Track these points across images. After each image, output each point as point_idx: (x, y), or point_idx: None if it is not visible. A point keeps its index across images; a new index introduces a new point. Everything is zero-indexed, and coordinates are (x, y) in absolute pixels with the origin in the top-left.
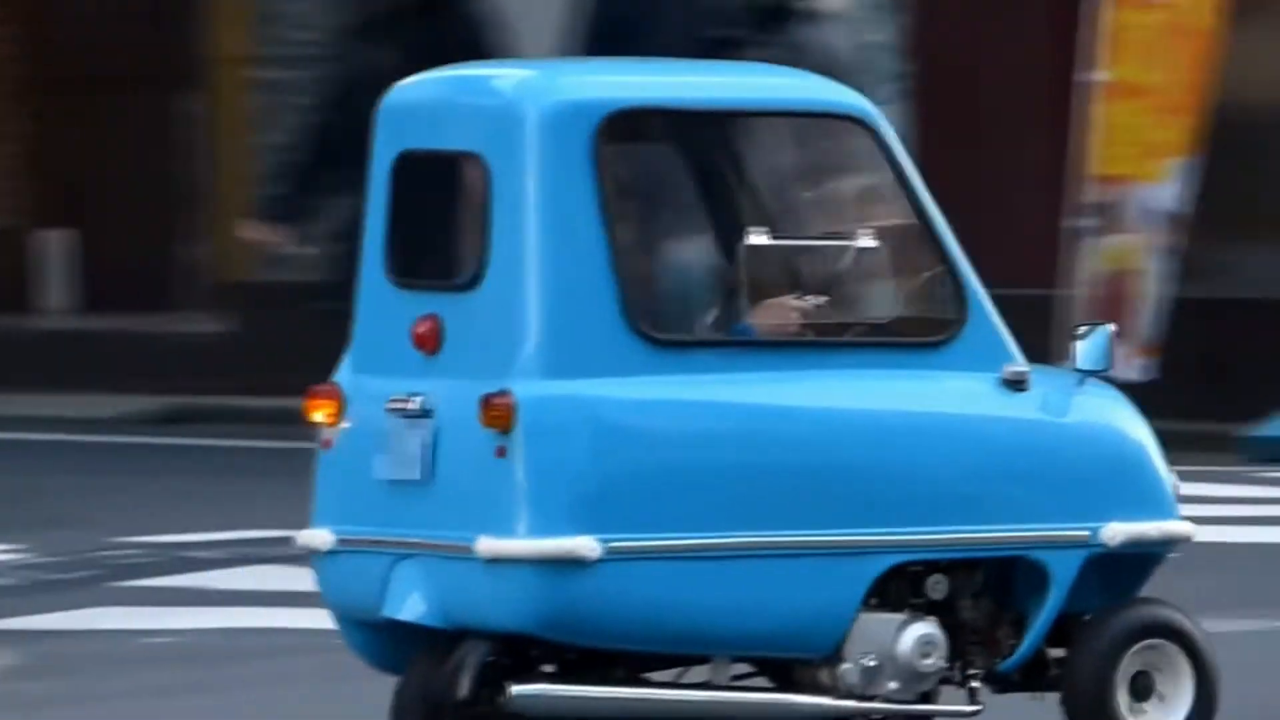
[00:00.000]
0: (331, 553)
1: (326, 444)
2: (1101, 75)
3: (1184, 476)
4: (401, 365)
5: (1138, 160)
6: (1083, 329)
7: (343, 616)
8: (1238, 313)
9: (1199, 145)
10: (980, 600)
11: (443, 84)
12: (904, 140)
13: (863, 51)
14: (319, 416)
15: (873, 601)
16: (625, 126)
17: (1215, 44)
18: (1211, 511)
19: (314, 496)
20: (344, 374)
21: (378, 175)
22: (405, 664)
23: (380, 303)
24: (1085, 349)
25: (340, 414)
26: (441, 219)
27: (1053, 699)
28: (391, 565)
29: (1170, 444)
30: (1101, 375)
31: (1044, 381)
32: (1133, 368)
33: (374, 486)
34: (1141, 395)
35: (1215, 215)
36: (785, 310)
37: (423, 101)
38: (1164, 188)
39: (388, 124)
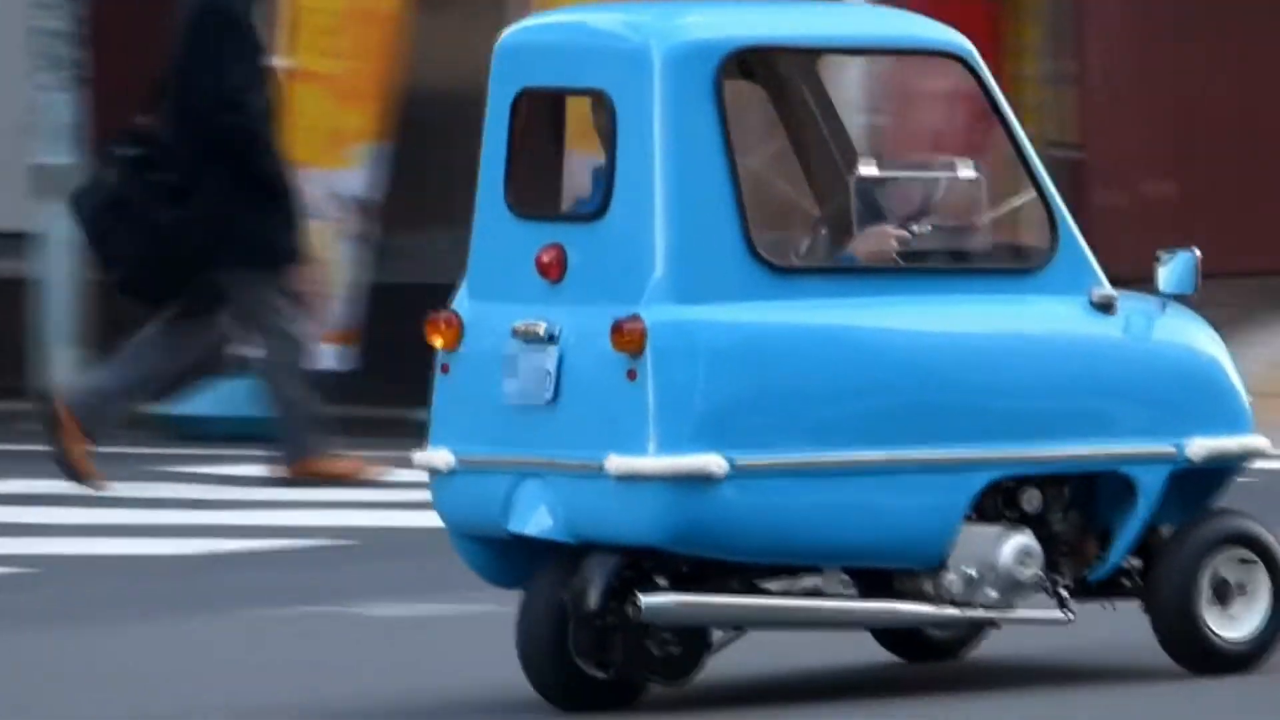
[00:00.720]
0: (451, 472)
1: (445, 369)
2: (286, 61)
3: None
4: (523, 293)
5: (324, 146)
6: (1165, 254)
7: (460, 533)
8: (428, 298)
9: (387, 132)
10: (1069, 513)
11: (564, 25)
12: (77, 128)
13: (34, 37)
14: (439, 342)
15: (972, 515)
16: (744, 64)
17: (401, 30)
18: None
19: (432, 418)
20: (461, 302)
21: (496, 111)
22: (518, 578)
23: (499, 233)
24: (1168, 273)
25: (459, 340)
26: (561, 153)
27: (1126, 608)
28: (515, 483)
29: (363, 430)
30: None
31: (1130, 305)
32: (329, 355)
33: (496, 408)
34: (337, 382)
35: (404, 201)
36: (885, 238)
37: (545, 41)
38: (352, 174)
39: (506, 62)
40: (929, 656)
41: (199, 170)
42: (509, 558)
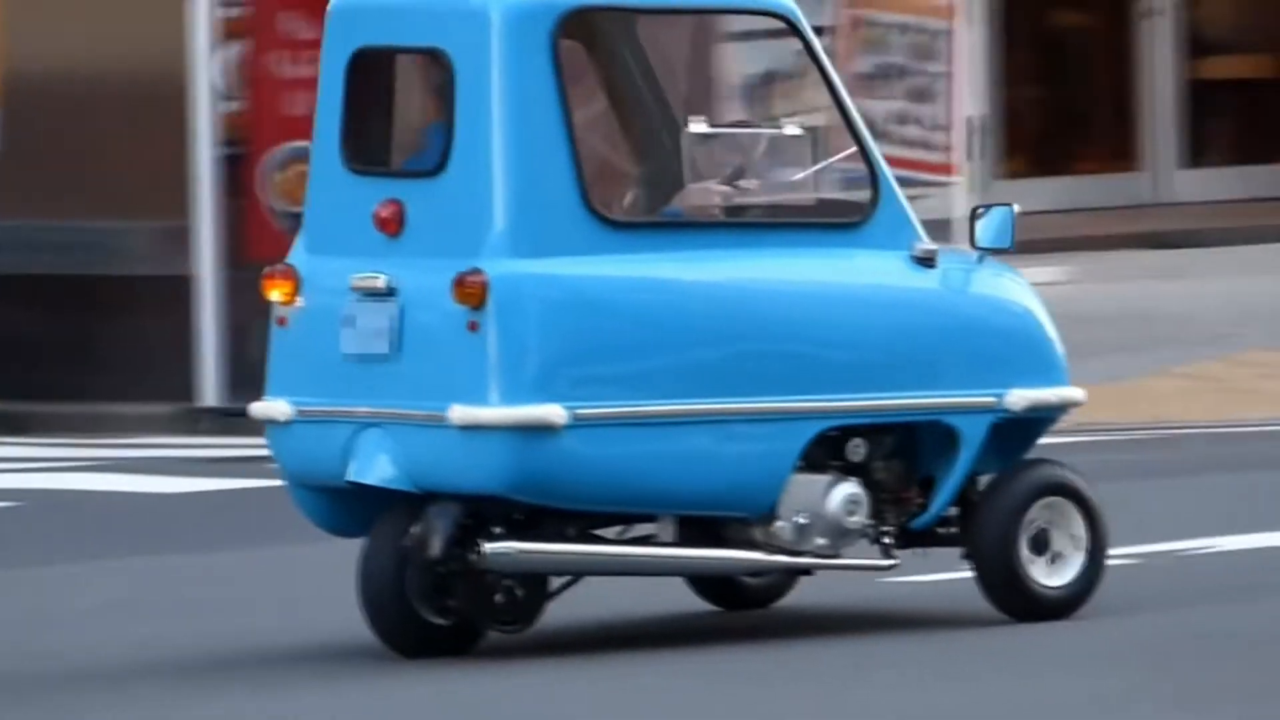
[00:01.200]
0: (289, 423)
1: (282, 322)
2: None
3: None
4: (361, 247)
5: None
6: (981, 208)
7: (297, 483)
8: None
9: None
10: (891, 463)
11: None
12: None
13: None
14: (276, 295)
15: (800, 465)
16: (579, 24)
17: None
18: None
19: (269, 370)
20: (298, 256)
21: (330, 71)
22: (355, 527)
23: (335, 189)
24: (985, 227)
25: (296, 293)
26: (394, 112)
27: (941, 553)
28: (354, 434)
29: None
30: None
31: (949, 259)
32: None
33: (335, 361)
34: None
35: None
36: (708, 194)
37: (380, 3)
38: None
39: (340, 23)
40: (745, 605)
41: None
42: (347, 507)
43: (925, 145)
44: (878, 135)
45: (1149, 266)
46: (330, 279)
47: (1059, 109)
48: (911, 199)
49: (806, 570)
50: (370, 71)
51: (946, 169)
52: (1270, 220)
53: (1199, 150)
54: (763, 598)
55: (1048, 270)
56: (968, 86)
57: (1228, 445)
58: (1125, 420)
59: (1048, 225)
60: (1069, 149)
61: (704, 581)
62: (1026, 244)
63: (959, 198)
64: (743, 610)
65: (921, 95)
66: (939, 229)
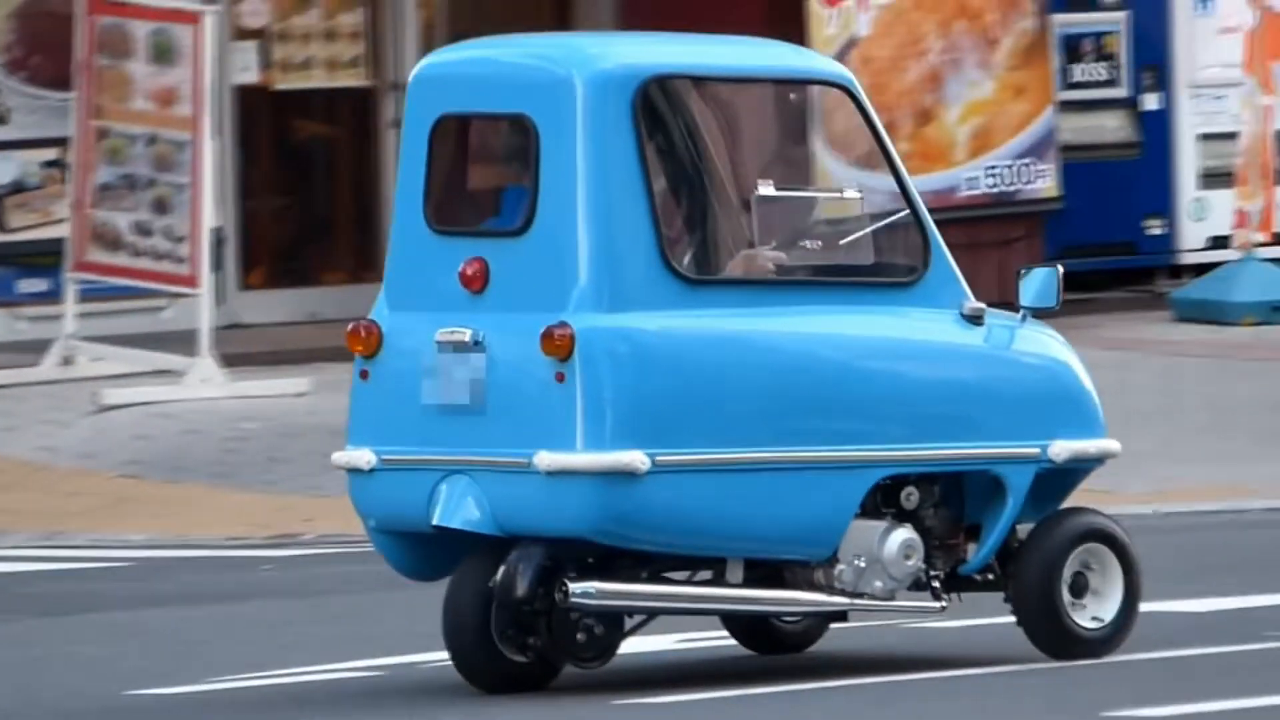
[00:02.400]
0: (373, 470)
1: (364, 375)
2: None
3: None
4: (443, 303)
5: None
6: (1024, 269)
7: (380, 528)
8: None
9: None
10: (940, 510)
11: (482, 57)
12: None
13: None
14: (359, 350)
15: (859, 511)
16: (656, 90)
17: None
18: None
19: (351, 421)
20: (380, 312)
21: (414, 135)
22: (434, 572)
23: (418, 249)
24: (1029, 287)
25: (378, 348)
26: (468, 175)
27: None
28: (439, 480)
29: None
30: (1048, 312)
31: (995, 318)
32: None
33: (419, 411)
34: None
35: None
36: (756, 259)
37: (463, 71)
38: None
39: (424, 89)
40: (780, 649)
41: None
42: (427, 552)
43: (167, 256)
44: (120, 247)
45: None
46: (414, 334)
47: (304, 220)
48: (154, 310)
49: (844, 616)
50: (453, 136)
51: (189, 280)
52: None
53: None
54: (797, 642)
55: (292, 382)
56: (209, 198)
57: None
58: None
59: (291, 337)
60: (314, 260)
61: (741, 626)
62: (269, 355)
63: (202, 309)
64: (777, 654)
65: (163, 206)
66: (182, 340)
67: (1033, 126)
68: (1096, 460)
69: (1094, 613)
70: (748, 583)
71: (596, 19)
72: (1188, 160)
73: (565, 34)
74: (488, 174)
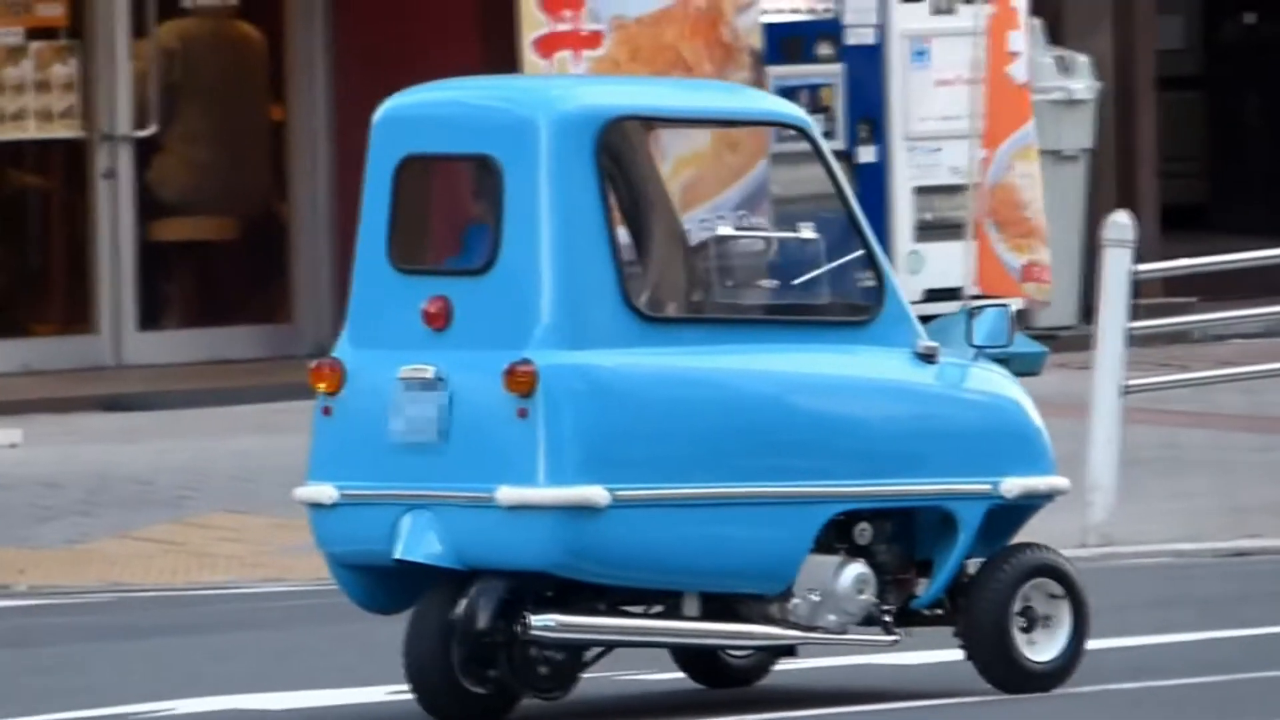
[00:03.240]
0: (334, 505)
1: (327, 411)
2: None
3: None
4: (406, 341)
5: None
6: (976, 309)
7: (341, 563)
8: None
9: None
10: (892, 546)
11: (446, 99)
12: None
13: None
14: (322, 387)
15: (813, 546)
16: (618, 131)
17: None
18: None
19: (313, 457)
20: (343, 349)
21: (378, 175)
22: (394, 606)
23: (381, 287)
24: (981, 326)
25: (341, 384)
26: (440, 214)
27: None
28: (400, 515)
29: None
30: (999, 350)
31: (948, 356)
32: None
33: (381, 446)
34: None
35: None
36: (732, 292)
37: (427, 113)
38: None
39: (387, 130)
40: (728, 683)
41: None
42: (387, 586)
43: None
44: None
45: (108, 429)
46: (376, 371)
47: (15, 270)
48: None
49: (793, 650)
50: (416, 176)
51: None
52: (226, 383)
53: (155, 312)
54: (745, 676)
55: (4, 433)
56: None
57: (184, 608)
58: (81, 583)
59: (3, 388)
60: (26, 310)
61: (690, 659)
62: None
63: None
64: (725, 688)
65: None
66: None
67: (745, 179)
68: (1046, 496)
69: (1043, 647)
70: (704, 616)
71: (310, 50)
72: (904, 213)
73: (529, 76)
74: (450, 213)
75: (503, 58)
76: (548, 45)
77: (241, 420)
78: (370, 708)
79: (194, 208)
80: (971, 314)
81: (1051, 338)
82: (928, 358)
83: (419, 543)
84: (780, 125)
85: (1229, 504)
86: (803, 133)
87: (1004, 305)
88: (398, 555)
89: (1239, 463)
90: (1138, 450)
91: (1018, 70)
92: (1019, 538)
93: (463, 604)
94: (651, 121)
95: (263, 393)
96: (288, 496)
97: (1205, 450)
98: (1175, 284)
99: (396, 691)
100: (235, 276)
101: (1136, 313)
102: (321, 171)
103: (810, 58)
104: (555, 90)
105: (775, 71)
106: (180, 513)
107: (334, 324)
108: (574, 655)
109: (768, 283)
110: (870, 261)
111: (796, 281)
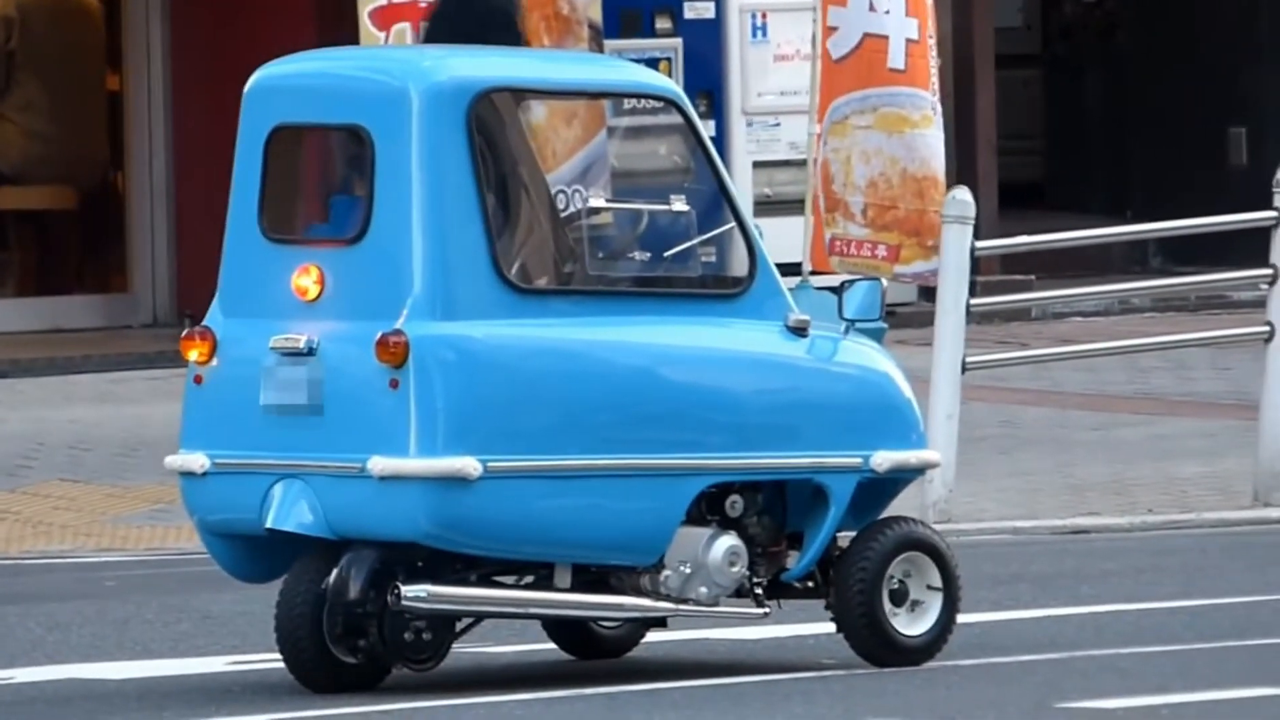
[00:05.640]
0: (205, 474)
1: (198, 380)
2: None
3: None
4: (278, 310)
5: None
6: (848, 283)
7: (211, 531)
8: None
9: None
10: (763, 518)
11: (317, 70)
12: None
13: None
14: (193, 355)
15: (685, 519)
16: (490, 103)
17: None
18: None
19: (185, 425)
20: (214, 318)
21: (249, 145)
22: (266, 573)
23: (252, 257)
24: (852, 300)
25: (213, 354)
26: (311, 183)
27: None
28: (273, 484)
29: None
30: (869, 323)
31: (819, 328)
32: None
33: (252, 416)
34: None
35: None
36: (604, 264)
37: (298, 83)
38: None
39: (258, 100)
40: (599, 654)
41: None
42: (259, 555)
43: None
44: None
45: None
46: (248, 340)
47: None
48: None
49: (663, 622)
50: (286, 146)
51: None
52: (65, 351)
53: None
54: (615, 647)
55: None
56: None
57: (21, 576)
58: None
59: None
60: None
61: (561, 630)
62: None
63: None
64: (596, 659)
65: None
66: None
67: (583, 152)
68: (917, 470)
69: (913, 620)
70: (575, 587)
71: (147, 20)
72: (743, 188)
73: (401, 47)
74: (321, 183)
75: (343, 30)
76: (385, 17)
77: (78, 389)
78: (210, 677)
79: (31, 177)
80: (843, 287)
81: (891, 314)
82: (799, 331)
83: (290, 512)
84: (652, 98)
85: (1067, 482)
86: (674, 105)
87: (876, 280)
88: (269, 524)
89: (1077, 441)
90: (977, 427)
91: (835, 45)
92: (889, 511)
93: (334, 574)
94: (523, 93)
95: (100, 362)
96: (124, 466)
97: (1044, 428)
98: (1013, 261)
99: (236, 662)
100: (72, 246)
101: (975, 289)
102: (159, 142)
103: (649, 31)
104: (427, 61)
105: (614, 45)
106: (16, 482)
107: (171, 294)
108: (445, 626)
109: (639, 255)
110: (742, 234)
111: (668, 254)
